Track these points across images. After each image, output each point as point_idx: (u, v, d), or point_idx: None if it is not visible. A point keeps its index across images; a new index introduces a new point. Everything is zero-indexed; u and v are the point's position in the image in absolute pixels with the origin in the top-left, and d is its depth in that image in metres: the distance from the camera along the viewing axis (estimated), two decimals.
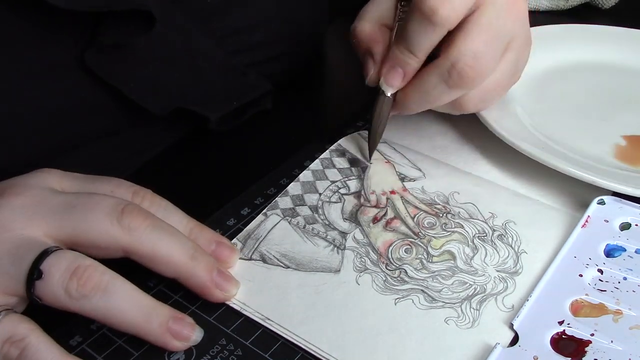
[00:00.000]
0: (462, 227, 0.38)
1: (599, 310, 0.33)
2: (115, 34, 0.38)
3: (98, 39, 0.38)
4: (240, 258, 0.37)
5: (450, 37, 0.37)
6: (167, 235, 0.33)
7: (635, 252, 0.36)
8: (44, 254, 0.30)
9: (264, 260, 0.37)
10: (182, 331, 0.31)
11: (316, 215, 0.39)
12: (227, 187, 0.43)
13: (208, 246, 0.35)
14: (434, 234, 0.38)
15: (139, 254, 0.32)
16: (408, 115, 0.42)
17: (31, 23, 0.36)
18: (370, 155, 0.43)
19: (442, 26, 0.36)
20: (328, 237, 0.38)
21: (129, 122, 0.43)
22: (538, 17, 0.67)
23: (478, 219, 0.39)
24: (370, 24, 0.41)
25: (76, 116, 0.40)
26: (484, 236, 0.38)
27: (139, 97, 0.41)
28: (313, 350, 0.31)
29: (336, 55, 0.62)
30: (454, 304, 0.34)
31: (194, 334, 0.32)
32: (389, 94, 0.40)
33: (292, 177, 0.42)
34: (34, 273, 0.30)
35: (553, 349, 0.31)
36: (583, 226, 0.37)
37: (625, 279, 0.34)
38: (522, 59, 0.41)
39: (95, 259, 0.31)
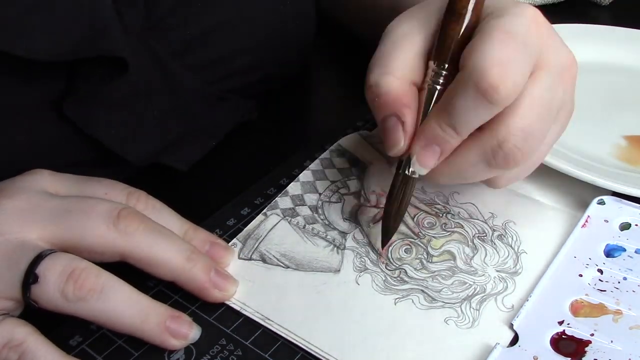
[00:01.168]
0: (462, 227, 0.38)
1: (599, 310, 0.32)
2: (91, 80, 0.37)
3: (74, 87, 0.37)
4: (240, 258, 0.37)
5: None
6: (163, 238, 0.33)
7: (635, 252, 0.36)
8: (39, 257, 0.30)
9: (263, 260, 0.37)
10: (180, 330, 0.31)
11: (316, 215, 0.39)
12: (227, 187, 0.43)
13: (203, 247, 0.35)
14: (434, 234, 0.38)
15: (136, 258, 0.32)
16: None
17: (4, 68, 0.35)
18: (385, 244, 0.36)
19: (500, 105, 0.30)
20: (328, 237, 0.38)
21: (108, 168, 0.41)
22: None
23: (478, 219, 0.39)
24: (399, 82, 0.33)
25: (52, 156, 0.38)
26: (483, 236, 0.38)
27: (119, 147, 0.39)
28: (313, 350, 0.31)
29: (326, 56, 0.61)
30: (454, 304, 0.34)
31: (192, 332, 0.32)
32: (417, 176, 0.34)
33: (292, 177, 0.42)
34: (30, 277, 0.30)
35: (553, 349, 0.31)
36: (583, 226, 0.37)
37: (625, 279, 0.34)
38: (563, 130, 0.36)
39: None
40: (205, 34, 0.43)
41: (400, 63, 0.33)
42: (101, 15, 0.37)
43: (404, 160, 0.34)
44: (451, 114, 0.31)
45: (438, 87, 0.33)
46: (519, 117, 0.31)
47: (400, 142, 0.33)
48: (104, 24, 0.36)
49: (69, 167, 0.37)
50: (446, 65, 0.33)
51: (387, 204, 0.35)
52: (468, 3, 0.32)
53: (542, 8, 0.66)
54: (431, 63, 0.33)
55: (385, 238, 0.36)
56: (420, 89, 0.34)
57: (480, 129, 0.32)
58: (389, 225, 0.36)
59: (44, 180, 0.34)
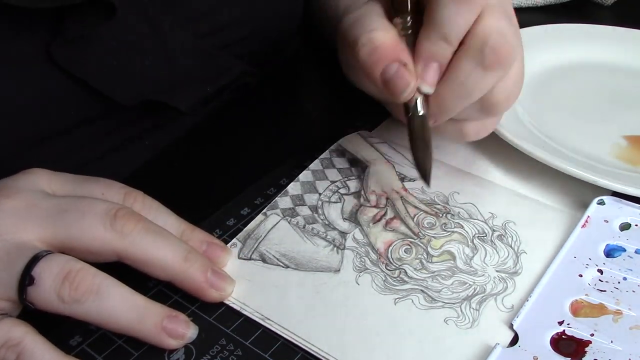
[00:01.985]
0: (462, 227, 0.38)
1: (599, 310, 0.32)
2: (79, 24, 0.37)
3: (63, 31, 0.37)
4: (240, 258, 0.37)
5: None
6: (160, 238, 0.33)
7: (635, 252, 0.36)
8: (35, 259, 0.30)
9: (263, 260, 0.37)
10: (177, 329, 0.31)
11: (316, 215, 0.39)
12: (227, 187, 0.43)
13: (200, 247, 0.35)
14: (434, 234, 0.38)
15: (133, 258, 0.32)
16: (444, 130, 0.39)
17: None
18: (429, 178, 0.37)
19: (478, 4, 0.34)
20: (328, 237, 0.38)
21: (99, 114, 0.42)
22: (538, 16, 0.67)
23: (478, 219, 0.39)
24: (390, 34, 0.36)
25: (45, 108, 0.39)
26: (483, 236, 0.37)
27: (106, 88, 0.40)
28: (313, 350, 0.31)
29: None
30: (454, 304, 0.34)
31: (189, 332, 0.32)
32: (420, 103, 0.36)
33: (292, 177, 0.42)
34: (26, 279, 0.30)
35: (553, 349, 0.31)
36: (583, 226, 0.37)
37: (625, 279, 0.34)
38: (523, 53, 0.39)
39: (88, 263, 0.31)
40: (209, 6, 0.44)
41: (380, 21, 0.36)
42: None
43: (413, 104, 0.36)
44: (438, 28, 0.34)
45: (409, 34, 0.36)
46: (489, 17, 0.34)
47: (410, 82, 0.35)
48: None
49: (76, 126, 0.38)
50: (409, 17, 0.36)
51: (414, 150, 0.37)
52: None
53: (545, 9, 0.66)
54: (395, 20, 0.37)
55: (428, 174, 0.37)
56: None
57: (464, 42, 0.35)
58: (426, 167, 0.37)
59: (41, 180, 0.34)
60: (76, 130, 0.41)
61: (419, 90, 0.36)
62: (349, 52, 0.37)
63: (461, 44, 0.35)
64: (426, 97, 0.36)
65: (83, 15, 0.37)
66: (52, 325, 0.31)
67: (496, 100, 0.37)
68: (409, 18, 0.36)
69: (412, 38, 0.36)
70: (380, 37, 0.35)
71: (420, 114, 0.36)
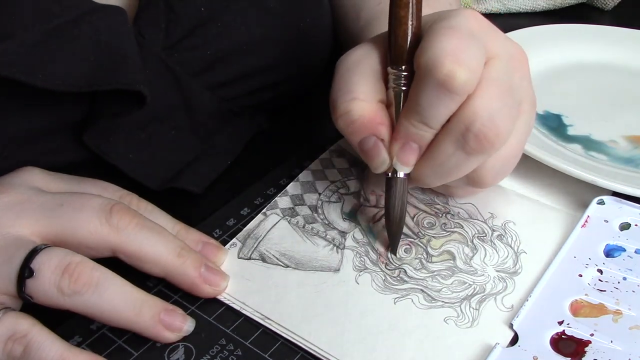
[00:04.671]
0: (462, 227, 0.38)
1: (599, 310, 0.32)
2: (110, 109, 0.37)
3: (94, 117, 0.37)
4: (240, 257, 0.37)
5: None
6: (155, 234, 0.33)
7: (635, 252, 0.36)
8: (34, 252, 0.30)
9: (263, 259, 0.37)
10: (174, 322, 0.32)
11: (316, 214, 0.39)
12: (227, 187, 0.43)
13: (195, 247, 0.35)
14: (434, 234, 0.38)
15: (127, 253, 0.32)
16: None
17: (24, 95, 0.34)
18: (396, 248, 0.37)
19: (462, 93, 0.31)
20: (327, 236, 0.38)
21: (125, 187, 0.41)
22: (538, 17, 0.67)
23: (477, 219, 0.39)
24: (369, 104, 0.34)
25: (55, 168, 0.38)
26: (483, 236, 0.38)
27: (136, 173, 0.39)
28: (313, 350, 0.31)
29: None
30: (454, 303, 0.34)
31: (186, 325, 0.32)
32: (402, 175, 0.35)
33: (292, 177, 0.42)
34: (25, 271, 0.30)
35: (553, 349, 0.31)
36: (583, 226, 0.37)
37: (624, 279, 0.34)
38: (532, 122, 0.36)
39: None
40: (226, 53, 0.42)
41: (362, 86, 0.34)
42: (120, 42, 0.36)
43: (392, 169, 0.35)
44: (419, 112, 0.32)
45: (403, 89, 0.34)
46: (479, 98, 0.31)
47: (385, 158, 0.35)
48: (123, 52, 0.36)
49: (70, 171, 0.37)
50: (403, 67, 0.34)
51: (387, 212, 0.36)
52: (409, 2, 0.33)
53: (546, 13, 0.66)
54: (389, 69, 0.34)
55: (395, 243, 0.37)
56: (387, 103, 0.35)
57: (449, 119, 0.33)
58: (396, 230, 0.36)
59: (37, 178, 0.34)
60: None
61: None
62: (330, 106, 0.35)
63: (448, 121, 0.33)
64: None
65: (114, 97, 0.36)
66: (52, 325, 0.31)
67: (482, 179, 0.35)
68: (403, 68, 0.34)
69: (406, 93, 0.34)
70: (358, 109, 0.34)
71: (401, 175, 0.35)
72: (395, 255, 0.37)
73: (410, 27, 0.33)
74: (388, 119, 0.34)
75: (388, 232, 0.36)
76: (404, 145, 0.34)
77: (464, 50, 0.31)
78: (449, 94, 0.31)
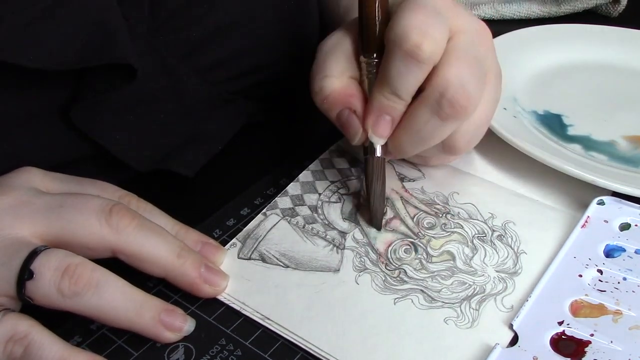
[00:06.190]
0: (462, 227, 0.38)
1: (599, 310, 0.32)
2: (98, 86, 0.37)
3: (81, 94, 0.37)
4: (240, 258, 0.37)
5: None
6: (154, 234, 0.33)
7: (635, 252, 0.36)
8: (34, 253, 0.30)
9: (263, 259, 0.37)
10: (174, 323, 0.32)
11: (316, 215, 0.39)
12: (227, 188, 0.43)
13: (194, 247, 0.35)
14: (434, 234, 0.38)
15: (127, 253, 0.32)
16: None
17: (10, 76, 0.34)
18: (380, 223, 0.38)
19: (428, 62, 0.34)
20: (327, 236, 0.38)
21: (112, 170, 0.41)
22: (539, 19, 0.67)
23: (477, 219, 0.39)
24: (339, 80, 0.37)
25: (54, 163, 0.38)
26: (483, 236, 0.38)
27: (122, 153, 0.39)
28: (312, 350, 0.31)
29: None
30: (453, 304, 0.34)
31: (186, 325, 0.32)
32: (378, 146, 0.37)
33: (292, 178, 0.42)
34: (25, 273, 0.30)
35: (553, 349, 0.31)
36: (583, 226, 0.37)
37: (624, 279, 0.34)
38: (499, 92, 0.39)
39: None
40: (212, 35, 0.43)
41: (335, 65, 0.37)
42: (108, 20, 0.36)
43: (369, 145, 0.37)
44: (389, 83, 0.35)
45: (375, 74, 0.36)
46: (450, 67, 0.34)
47: (358, 128, 0.37)
48: (112, 29, 0.36)
49: (70, 169, 0.37)
50: (374, 55, 0.37)
51: (368, 189, 0.38)
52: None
53: (550, 20, 0.66)
54: (362, 57, 0.37)
55: (379, 218, 0.38)
56: (360, 83, 0.37)
57: (422, 89, 0.35)
58: (378, 207, 0.38)
59: (36, 178, 0.34)
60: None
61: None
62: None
63: (420, 90, 0.35)
64: None
65: (103, 75, 0.36)
66: (52, 325, 0.31)
67: (456, 144, 0.37)
68: (374, 56, 0.36)
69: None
70: (329, 84, 0.37)
71: (377, 154, 0.37)
72: (379, 228, 0.38)
73: (377, 18, 0.36)
74: (360, 92, 0.37)
75: (370, 210, 0.38)
76: (377, 117, 0.36)
77: (430, 24, 0.33)
78: (416, 63, 0.33)
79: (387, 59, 0.35)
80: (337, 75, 0.37)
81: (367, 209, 0.39)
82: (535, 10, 0.66)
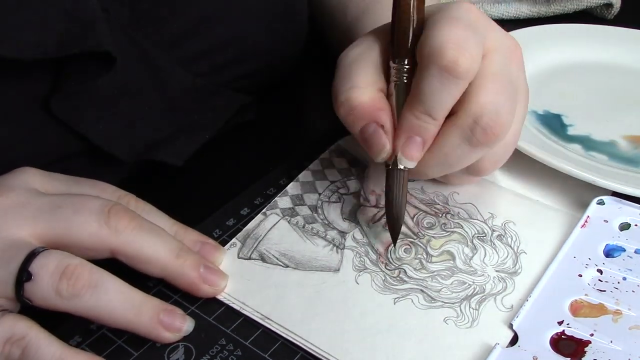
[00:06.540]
0: (462, 227, 0.38)
1: (599, 310, 0.32)
2: (78, 76, 0.36)
3: (61, 85, 0.36)
4: (240, 257, 0.37)
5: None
6: (153, 235, 0.33)
7: (635, 252, 0.36)
8: (32, 255, 0.30)
9: (263, 259, 0.37)
10: (173, 323, 0.32)
11: (315, 214, 0.39)
12: (227, 187, 0.43)
13: (193, 247, 0.35)
14: (433, 234, 0.38)
15: (126, 254, 0.32)
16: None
17: None
18: (397, 236, 0.36)
19: (465, 78, 0.32)
20: (327, 236, 0.38)
21: (97, 163, 0.41)
22: (539, 19, 0.67)
23: (477, 219, 0.39)
24: (368, 91, 0.35)
25: (43, 160, 0.37)
26: (483, 236, 0.38)
27: (106, 144, 0.39)
28: (312, 350, 0.31)
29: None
30: (453, 303, 0.34)
31: (185, 325, 0.32)
32: (407, 167, 0.35)
33: (292, 177, 0.42)
34: (23, 275, 0.30)
35: (552, 349, 0.31)
36: (582, 226, 0.37)
37: (624, 279, 0.34)
38: (527, 109, 0.38)
39: None
40: (194, 25, 0.42)
41: (363, 76, 0.35)
42: (86, 9, 0.36)
43: (393, 159, 0.35)
44: (423, 101, 0.33)
45: (405, 81, 0.34)
46: (485, 92, 0.33)
47: (385, 145, 0.34)
48: (89, 18, 0.36)
49: (61, 165, 0.37)
50: (406, 61, 0.34)
51: (388, 204, 0.36)
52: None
53: (546, 20, 0.66)
54: (391, 63, 0.35)
55: (396, 236, 0.37)
56: (388, 95, 0.35)
57: (454, 113, 0.34)
58: (396, 224, 0.36)
59: (33, 179, 0.34)
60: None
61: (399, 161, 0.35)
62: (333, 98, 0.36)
63: (452, 113, 0.34)
64: None
65: (82, 65, 0.36)
66: (51, 325, 0.31)
67: (482, 167, 0.36)
68: (406, 62, 0.34)
69: (408, 85, 0.34)
70: (357, 96, 0.34)
71: (400, 166, 0.35)
72: (395, 247, 0.37)
73: (412, 21, 0.34)
74: (388, 106, 0.35)
75: (389, 224, 0.36)
76: (408, 139, 0.34)
77: (466, 39, 0.32)
78: (453, 79, 0.32)
79: (420, 75, 0.33)
80: (365, 86, 0.35)
81: (386, 220, 0.37)
82: (524, 11, 0.65)
